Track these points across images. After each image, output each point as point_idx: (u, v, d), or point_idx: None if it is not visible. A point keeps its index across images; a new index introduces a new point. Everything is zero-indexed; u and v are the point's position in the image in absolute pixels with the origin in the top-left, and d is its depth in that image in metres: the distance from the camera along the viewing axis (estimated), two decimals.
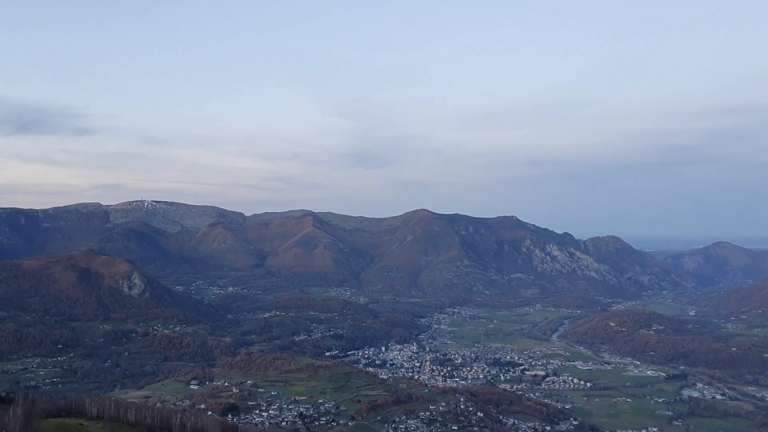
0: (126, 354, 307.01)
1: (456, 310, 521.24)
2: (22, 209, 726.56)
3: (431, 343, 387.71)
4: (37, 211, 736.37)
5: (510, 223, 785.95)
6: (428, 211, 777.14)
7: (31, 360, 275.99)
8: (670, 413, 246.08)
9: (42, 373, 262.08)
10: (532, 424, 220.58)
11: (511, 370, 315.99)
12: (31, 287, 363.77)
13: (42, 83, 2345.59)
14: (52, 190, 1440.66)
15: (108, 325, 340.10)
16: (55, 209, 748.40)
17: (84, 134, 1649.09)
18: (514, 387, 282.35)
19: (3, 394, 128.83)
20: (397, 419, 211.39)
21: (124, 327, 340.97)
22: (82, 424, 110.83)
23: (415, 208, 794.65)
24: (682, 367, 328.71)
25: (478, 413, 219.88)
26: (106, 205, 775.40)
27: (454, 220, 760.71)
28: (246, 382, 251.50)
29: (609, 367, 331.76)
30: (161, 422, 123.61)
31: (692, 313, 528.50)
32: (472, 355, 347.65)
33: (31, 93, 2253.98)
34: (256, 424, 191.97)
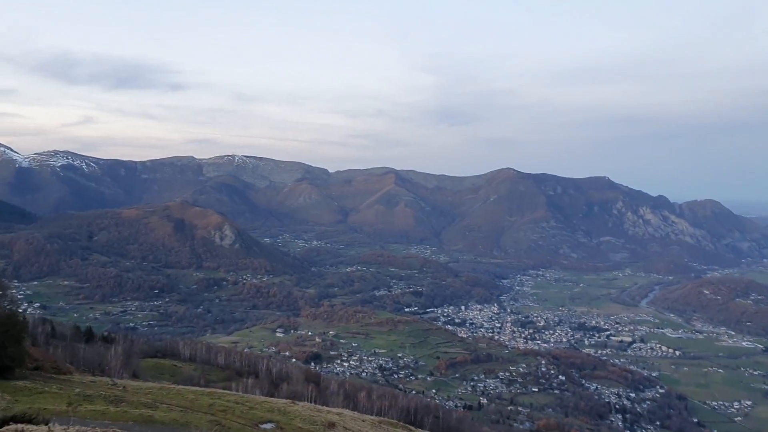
0: (217, 301, 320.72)
1: (540, 273, 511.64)
2: (122, 161, 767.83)
3: (513, 304, 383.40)
4: (135, 163, 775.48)
5: (601, 184, 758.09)
6: (513, 170, 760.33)
7: (130, 303, 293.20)
8: (766, 387, 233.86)
9: (140, 315, 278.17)
10: (615, 390, 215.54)
11: (596, 335, 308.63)
12: (130, 235, 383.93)
13: (140, 40, 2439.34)
14: (150, 144, 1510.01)
15: (201, 273, 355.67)
16: (152, 161, 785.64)
17: (179, 90, 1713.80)
18: (599, 352, 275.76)
19: (105, 333, 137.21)
20: (475, 377, 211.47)
21: (216, 275, 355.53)
22: (176, 365, 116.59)
23: (500, 167, 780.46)
24: None
25: (560, 376, 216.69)
26: (200, 159, 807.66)
27: (541, 179, 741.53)
28: (328, 332, 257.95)
29: (700, 336, 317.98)
30: (249, 367, 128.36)
31: None
32: (556, 318, 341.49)
33: (130, 50, 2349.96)
34: (337, 374, 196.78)
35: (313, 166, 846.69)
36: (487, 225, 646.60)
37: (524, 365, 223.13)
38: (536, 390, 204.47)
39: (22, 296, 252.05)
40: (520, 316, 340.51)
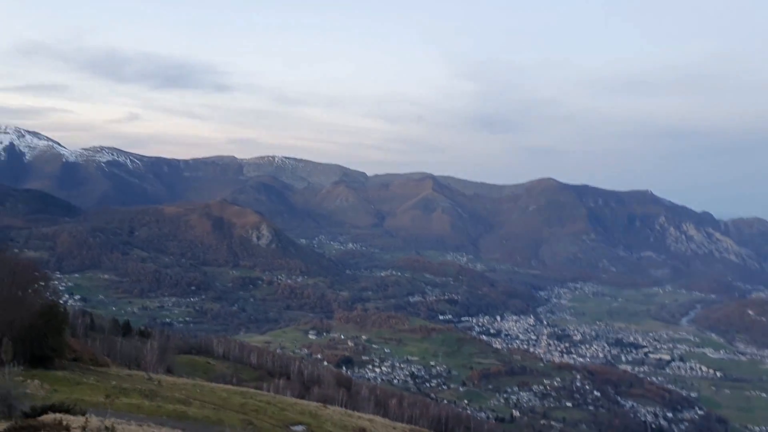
0: (251, 300, 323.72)
1: (578, 286, 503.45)
2: (166, 158, 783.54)
3: (549, 317, 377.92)
4: (178, 161, 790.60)
5: (643, 197, 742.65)
6: (554, 180, 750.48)
7: (167, 299, 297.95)
8: None
9: (176, 311, 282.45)
10: (652, 409, 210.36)
11: (634, 351, 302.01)
12: (170, 232, 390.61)
13: (188, 41, 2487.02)
14: (193, 142, 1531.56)
15: (237, 272, 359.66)
16: (194, 160, 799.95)
17: (224, 90, 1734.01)
18: (636, 369, 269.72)
19: (142, 328, 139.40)
20: (509, 390, 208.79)
21: (251, 274, 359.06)
22: (209, 363, 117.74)
23: (540, 177, 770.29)
24: None
25: (595, 392, 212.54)
26: (240, 159, 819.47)
27: (582, 191, 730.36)
28: (361, 336, 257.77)
29: (743, 358, 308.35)
30: (280, 367, 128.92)
31: None
32: (593, 332, 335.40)
33: (178, 50, 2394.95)
34: (368, 379, 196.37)
35: (351, 169, 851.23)
36: (525, 235, 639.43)
37: (559, 379, 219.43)
38: (570, 405, 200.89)
39: (63, 288, 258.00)
40: (556, 329, 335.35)
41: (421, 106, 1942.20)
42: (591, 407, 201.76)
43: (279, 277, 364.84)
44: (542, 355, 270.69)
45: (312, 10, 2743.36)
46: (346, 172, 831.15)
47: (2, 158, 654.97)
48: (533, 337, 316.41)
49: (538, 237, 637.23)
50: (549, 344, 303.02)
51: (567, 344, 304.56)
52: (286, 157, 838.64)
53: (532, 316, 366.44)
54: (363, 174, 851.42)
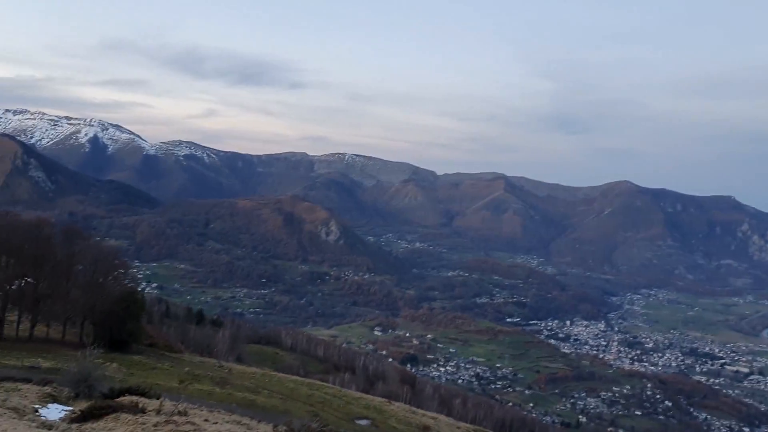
0: (319, 294, 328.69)
1: (652, 293, 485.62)
2: (240, 153, 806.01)
3: (621, 323, 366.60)
4: (252, 156, 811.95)
5: (725, 203, 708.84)
6: (631, 183, 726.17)
7: (239, 290, 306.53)
8: None
9: (247, 302, 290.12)
10: (727, 422, 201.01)
11: (709, 362, 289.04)
12: (243, 225, 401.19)
13: (265, 39, 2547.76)
14: (266, 138, 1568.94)
15: (305, 266, 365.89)
16: (267, 156, 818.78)
17: (298, 88, 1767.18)
18: (711, 381, 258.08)
19: (215, 317, 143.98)
20: (576, 395, 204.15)
21: (320, 269, 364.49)
22: (277, 353, 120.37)
23: (617, 180, 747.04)
24: None
25: (666, 402, 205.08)
26: (312, 155, 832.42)
27: (659, 195, 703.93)
28: (426, 335, 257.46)
29: None
30: (346, 362, 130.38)
31: None
32: (666, 341, 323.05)
33: (255, 47, 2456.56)
34: (433, 378, 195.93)
35: (421, 167, 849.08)
36: (599, 239, 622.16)
37: (628, 387, 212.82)
38: (639, 413, 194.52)
39: (141, 276, 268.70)
40: (627, 336, 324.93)
41: (493, 104, 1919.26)
42: (661, 417, 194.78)
43: (346, 273, 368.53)
44: (612, 362, 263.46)
45: (384, 7, 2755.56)
46: (416, 171, 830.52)
47: (87, 150, 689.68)
48: (603, 343, 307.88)
49: (612, 241, 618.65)
50: (619, 351, 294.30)
51: (638, 352, 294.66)
52: (356, 155, 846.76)
53: (603, 322, 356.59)
54: (432, 173, 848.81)
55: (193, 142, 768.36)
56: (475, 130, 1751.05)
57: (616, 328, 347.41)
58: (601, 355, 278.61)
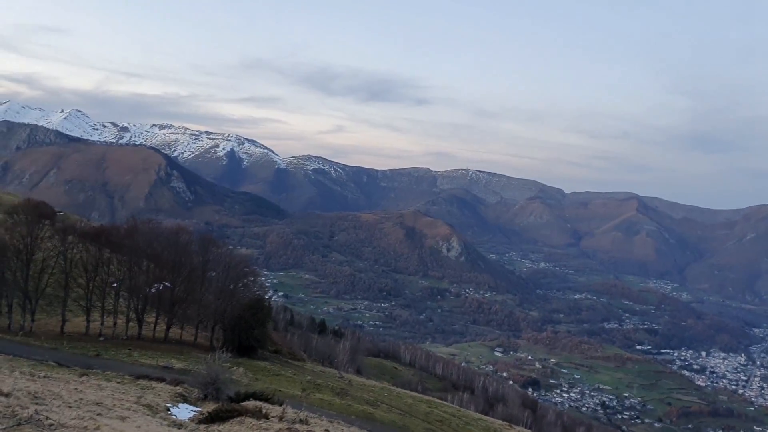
0: (439, 311, 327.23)
1: None
2: (365, 168, 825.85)
3: (764, 357, 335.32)
4: (376, 171, 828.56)
5: None
6: None
7: (360, 302, 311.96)
8: None
9: (367, 315, 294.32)
10: None
11: None
12: (366, 238, 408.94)
13: (392, 57, 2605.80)
14: (391, 154, 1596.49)
15: (426, 281, 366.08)
16: (391, 171, 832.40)
17: (423, 104, 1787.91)
18: None
19: (336, 328, 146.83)
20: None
21: (440, 285, 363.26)
22: (396, 368, 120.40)
23: (762, 203, 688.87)
24: None
25: None
26: (435, 171, 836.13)
27: None
28: (549, 359, 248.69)
29: None
30: (465, 381, 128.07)
31: None
32: None
33: (383, 65, 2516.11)
34: (555, 404, 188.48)
35: (548, 185, 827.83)
36: (740, 265, 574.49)
37: None
38: None
39: (269, 284, 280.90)
40: None
41: (626, 121, 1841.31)
42: None
43: (467, 290, 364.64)
44: (753, 399, 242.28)
45: (512, 25, 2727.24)
46: (542, 188, 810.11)
47: (224, 163, 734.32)
48: (743, 378, 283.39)
49: (756, 269, 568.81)
50: (762, 387, 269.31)
51: None
52: (479, 171, 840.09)
53: (743, 355, 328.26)
54: (560, 191, 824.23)
55: (321, 157, 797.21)
56: (606, 147, 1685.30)
57: (759, 362, 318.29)
58: (740, 391, 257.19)
